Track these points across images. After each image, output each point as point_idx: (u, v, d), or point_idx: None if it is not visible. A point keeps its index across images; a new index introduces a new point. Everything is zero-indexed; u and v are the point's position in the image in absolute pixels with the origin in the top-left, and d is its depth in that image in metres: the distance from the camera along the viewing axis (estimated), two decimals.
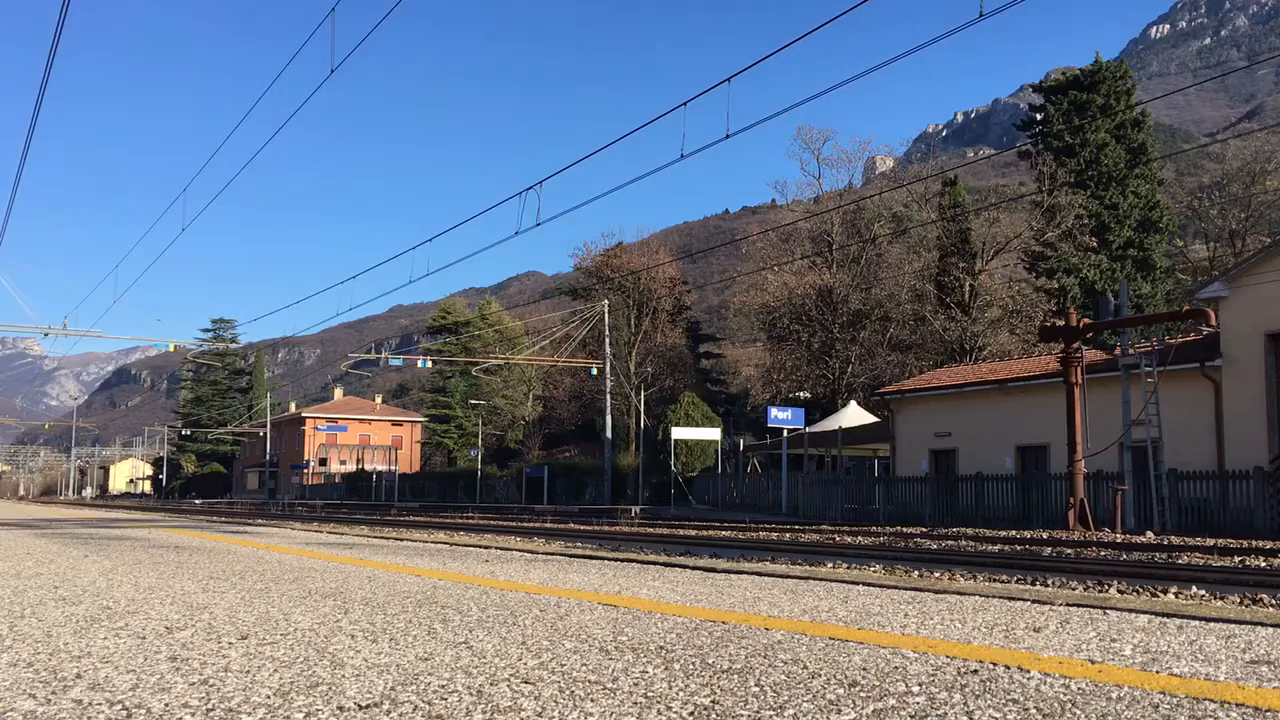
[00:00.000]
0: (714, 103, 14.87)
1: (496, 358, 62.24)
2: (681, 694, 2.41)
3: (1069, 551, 12.67)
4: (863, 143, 73.40)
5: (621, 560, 7.46)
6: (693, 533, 18.79)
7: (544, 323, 61.13)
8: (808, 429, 35.14)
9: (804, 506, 31.51)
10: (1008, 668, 2.78)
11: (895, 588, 5.19)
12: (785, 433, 33.98)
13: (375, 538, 11.94)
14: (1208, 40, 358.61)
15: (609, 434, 44.83)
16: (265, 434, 78.70)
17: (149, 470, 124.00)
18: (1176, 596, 5.39)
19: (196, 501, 73.90)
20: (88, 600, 4.41)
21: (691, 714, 2.21)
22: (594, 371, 48.63)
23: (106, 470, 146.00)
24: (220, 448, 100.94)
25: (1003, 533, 16.25)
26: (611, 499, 42.35)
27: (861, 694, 2.41)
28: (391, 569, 6.34)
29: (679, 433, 39.78)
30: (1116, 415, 21.84)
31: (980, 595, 4.80)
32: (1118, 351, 23.91)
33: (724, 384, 69.59)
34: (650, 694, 2.41)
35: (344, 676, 2.61)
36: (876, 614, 4.03)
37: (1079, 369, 19.42)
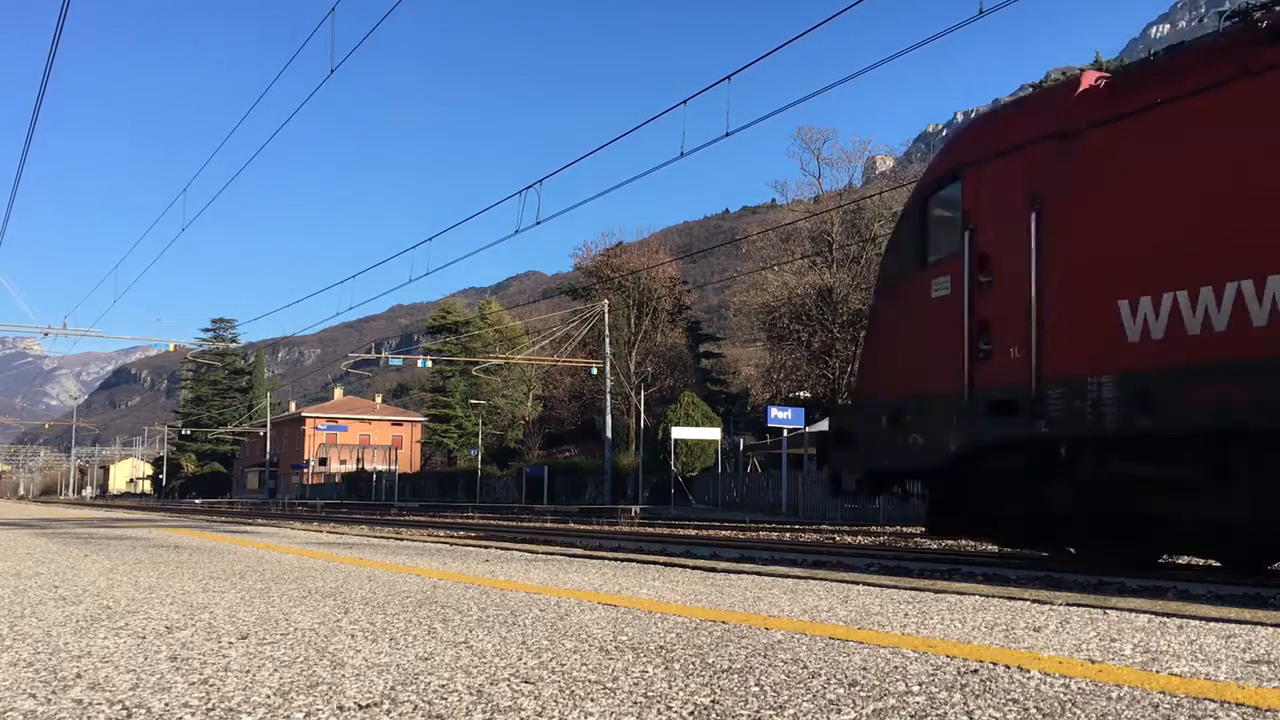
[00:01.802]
0: (714, 101, 14.87)
1: (496, 358, 62.27)
2: (681, 693, 2.41)
3: (1069, 551, 12.66)
4: (863, 142, 73.49)
5: (621, 560, 7.46)
6: (693, 532, 18.78)
7: (544, 322, 61.14)
8: (808, 429, 35.13)
9: (804, 506, 31.51)
10: (1008, 667, 2.78)
11: (895, 587, 5.19)
12: (785, 433, 33.99)
13: (375, 537, 11.94)
14: None
15: (609, 434, 44.82)
16: (265, 434, 78.69)
17: (149, 470, 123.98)
18: (1176, 596, 5.39)
19: (196, 501, 73.90)
20: (88, 600, 4.41)
21: (691, 713, 2.21)
22: (594, 371, 48.64)
23: (106, 470, 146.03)
24: (220, 447, 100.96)
25: None
26: (611, 499, 42.36)
27: (861, 693, 2.41)
28: (391, 568, 6.34)
29: (679, 432, 39.78)
30: None
31: (980, 595, 4.80)
32: None
33: (724, 384, 69.61)
34: (650, 693, 2.41)
35: (344, 676, 2.61)
36: (876, 614, 4.03)
37: None
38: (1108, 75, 8.94)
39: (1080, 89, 8.75)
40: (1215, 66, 7.73)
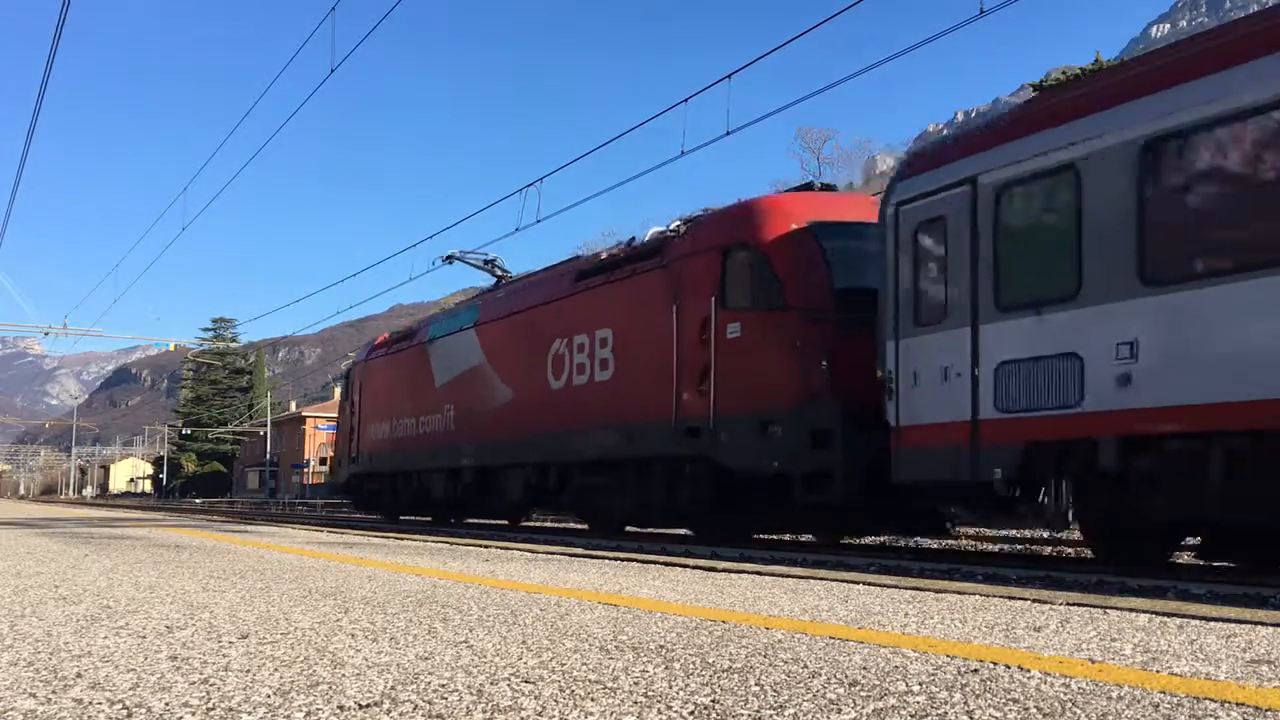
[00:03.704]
0: (714, 100, 14.87)
1: None
2: (682, 693, 2.41)
3: (1069, 551, 12.67)
4: (863, 142, 73.39)
5: (622, 559, 7.46)
6: (693, 531, 18.76)
7: None
8: None
9: None
10: (1008, 667, 2.78)
11: (895, 587, 5.19)
12: None
13: (375, 537, 11.93)
14: None
15: None
16: (265, 433, 78.66)
17: (149, 469, 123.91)
18: (1176, 596, 5.39)
19: (197, 501, 73.87)
20: (88, 599, 4.42)
21: (691, 713, 2.21)
22: None
23: (107, 470, 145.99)
24: (220, 447, 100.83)
25: (1003, 531, 16.27)
26: None
27: (862, 693, 2.41)
28: (391, 568, 6.35)
29: None
30: None
31: (980, 595, 4.80)
32: None
33: None
34: (650, 693, 2.41)
35: (344, 675, 2.61)
36: (877, 613, 4.03)
37: None
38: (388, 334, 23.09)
39: (375, 342, 22.77)
40: (397, 343, 21.01)
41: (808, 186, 13.48)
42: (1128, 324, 7.49)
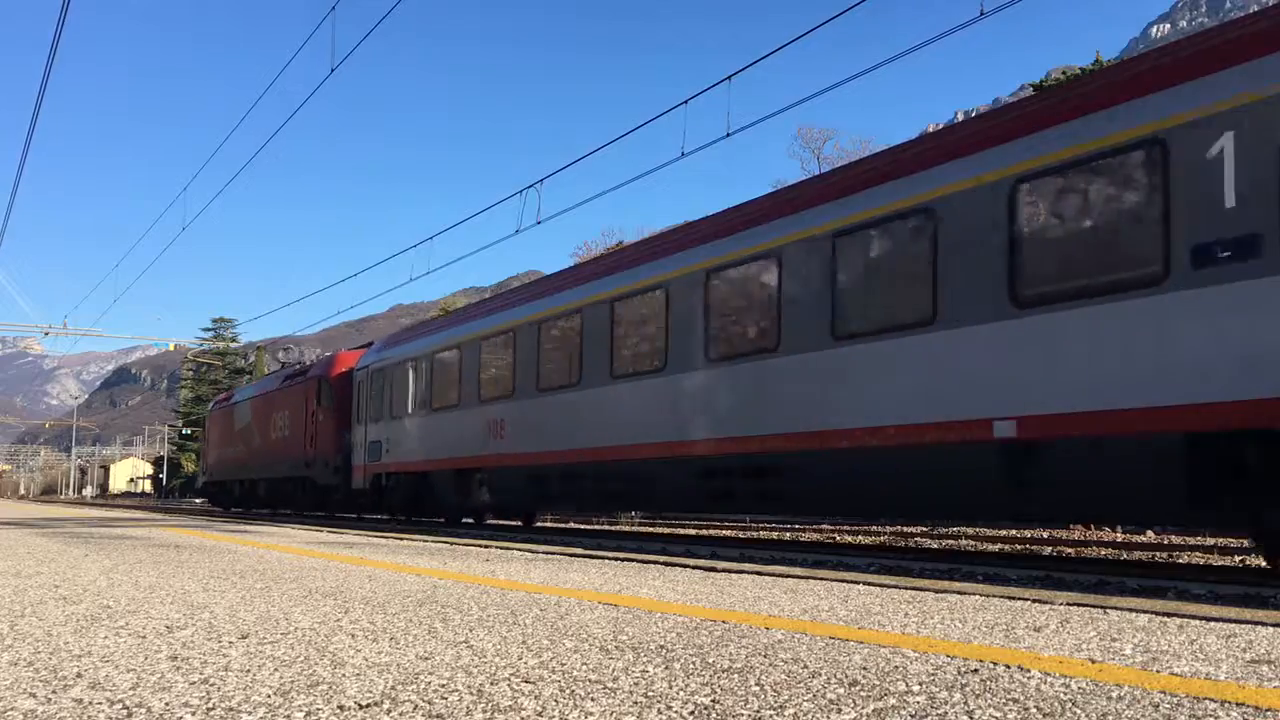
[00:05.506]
0: (714, 101, 14.89)
1: None
2: (682, 693, 2.41)
3: (1069, 551, 12.68)
4: (863, 142, 73.14)
5: (622, 559, 7.46)
6: (693, 531, 18.79)
7: None
8: None
9: None
10: (1008, 667, 2.78)
11: (895, 587, 5.19)
12: None
13: (375, 537, 11.93)
14: None
15: None
16: None
17: (149, 469, 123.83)
18: (1176, 596, 5.39)
19: (197, 501, 73.81)
20: (88, 599, 4.41)
21: (692, 713, 2.21)
22: None
23: (107, 469, 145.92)
24: None
25: (1003, 531, 16.29)
26: None
27: (862, 693, 2.41)
28: (392, 568, 6.35)
29: None
30: None
31: (981, 595, 4.80)
32: None
33: None
34: (650, 693, 2.41)
35: (344, 675, 2.61)
36: (877, 613, 4.03)
37: None
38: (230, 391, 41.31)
39: (220, 398, 37.23)
40: (226, 401, 34.78)
41: (368, 345, 23.68)
42: (413, 428, 18.42)
